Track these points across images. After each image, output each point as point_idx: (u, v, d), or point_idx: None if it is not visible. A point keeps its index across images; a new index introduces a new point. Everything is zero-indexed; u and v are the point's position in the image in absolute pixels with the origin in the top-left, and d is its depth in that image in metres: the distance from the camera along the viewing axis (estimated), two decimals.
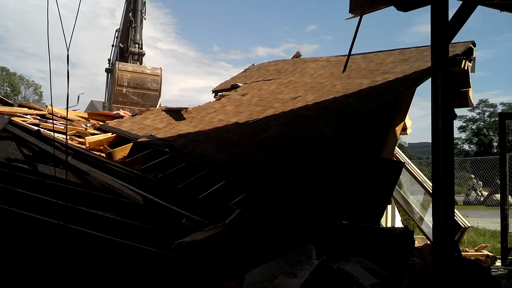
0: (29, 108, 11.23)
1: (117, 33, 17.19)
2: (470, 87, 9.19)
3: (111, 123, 10.59)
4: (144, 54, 15.26)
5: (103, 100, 19.34)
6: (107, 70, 17.71)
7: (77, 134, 9.73)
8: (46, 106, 11.52)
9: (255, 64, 15.90)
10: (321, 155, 6.99)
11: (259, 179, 6.64)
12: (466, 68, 8.84)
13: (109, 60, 17.81)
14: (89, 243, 4.69)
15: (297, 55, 14.85)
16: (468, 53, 8.90)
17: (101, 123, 11.04)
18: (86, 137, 9.29)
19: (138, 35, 15.57)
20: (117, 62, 12.92)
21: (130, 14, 15.69)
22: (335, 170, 7.06)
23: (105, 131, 10.11)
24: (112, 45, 17.70)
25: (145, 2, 16.06)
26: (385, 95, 8.10)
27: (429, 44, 6.06)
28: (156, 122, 10.33)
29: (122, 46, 16.03)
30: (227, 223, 5.45)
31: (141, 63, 14.82)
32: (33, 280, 4.40)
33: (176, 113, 10.99)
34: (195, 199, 6.41)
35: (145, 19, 15.74)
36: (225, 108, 10.83)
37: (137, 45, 15.44)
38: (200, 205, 6.27)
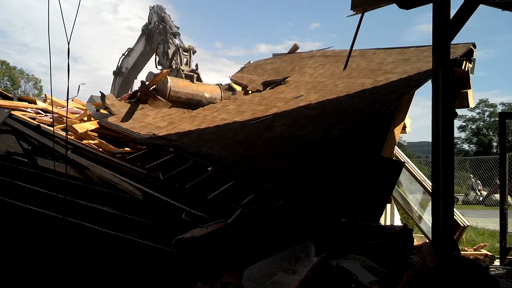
0: (29, 101, 11.19)
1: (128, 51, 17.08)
2: (470, 88, 9.20)
3: (111, 119, 10.36)
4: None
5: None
6: (114, 73, 17.68)
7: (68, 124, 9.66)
8: (45, 95, 11.42)
9: (251, 62, 15.84)
10: (328, 155, 6.96)
11: (268, 180, 6.58)
12: (466, 69, 8.84)
13: (118, 67, 17.66)
14: (88, 236, 4.69)
15: (295, 48, 14.80)
16: (468, 54, 8.91)
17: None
18: (73, 125, 9.25)
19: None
20: (168, 78, 11.83)
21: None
22: (339, 169, 7.04)
23: (104, 128, 10.01)
24: (123, 54, 17.50)
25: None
26: (389, 95, 8.08)
27: (429, 44, 6.04)
28: (158, 120, 10.21)
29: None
30: (228, 223, 5.45)
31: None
32: (33, 271, 4.40)
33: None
34: (204, 200, 6.37)
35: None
36: (227, 108, 10.77)
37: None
38: (208, 205, 6.23)
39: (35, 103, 11.12)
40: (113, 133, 9.83)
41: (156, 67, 14.10)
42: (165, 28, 13.95)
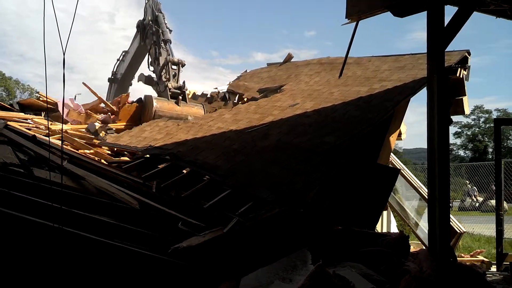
0: (29, 104, 11.29)
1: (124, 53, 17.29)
2: (465, 95, 9.25)
3: (109, 139, 10.59)
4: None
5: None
6: (110, 80, 17.82)
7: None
8: (38, 92, 11.60)
9: (247, 71, 15.91)
10: (325, 163, 6.96)
11: (264, 188, 6.56)
12: (461, 76, 8.89)
13: (113, 72, 17.79)
14: (85, 246, 4.68)
15: (289, 57, 14.89)
16: (463, 62, 8.98)
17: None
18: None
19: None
20: (154, 101, 12.48)
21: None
22: (335, 177, 7.04)
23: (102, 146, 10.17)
24: (118, 59, 17.65)
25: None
26: (385, 103, 8.08)
27: (424, 51, 6.08)
28: (154, 134, 10.25)
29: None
30: (225, 231, 5.44)
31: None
32: (29, 281, 4.39)
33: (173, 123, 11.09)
34: (200, 209, 6.36)
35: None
36: (223, 116, 10.77)
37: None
38: (205, 214, 6.22)
39: (35, 105, 11.20)
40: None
41: (148, 68, 14.33)
42: (158, 31, 14.10)
